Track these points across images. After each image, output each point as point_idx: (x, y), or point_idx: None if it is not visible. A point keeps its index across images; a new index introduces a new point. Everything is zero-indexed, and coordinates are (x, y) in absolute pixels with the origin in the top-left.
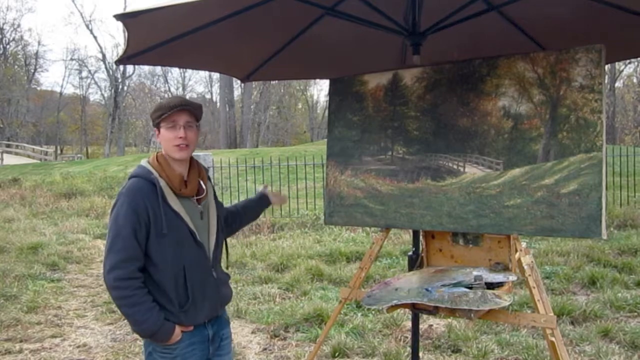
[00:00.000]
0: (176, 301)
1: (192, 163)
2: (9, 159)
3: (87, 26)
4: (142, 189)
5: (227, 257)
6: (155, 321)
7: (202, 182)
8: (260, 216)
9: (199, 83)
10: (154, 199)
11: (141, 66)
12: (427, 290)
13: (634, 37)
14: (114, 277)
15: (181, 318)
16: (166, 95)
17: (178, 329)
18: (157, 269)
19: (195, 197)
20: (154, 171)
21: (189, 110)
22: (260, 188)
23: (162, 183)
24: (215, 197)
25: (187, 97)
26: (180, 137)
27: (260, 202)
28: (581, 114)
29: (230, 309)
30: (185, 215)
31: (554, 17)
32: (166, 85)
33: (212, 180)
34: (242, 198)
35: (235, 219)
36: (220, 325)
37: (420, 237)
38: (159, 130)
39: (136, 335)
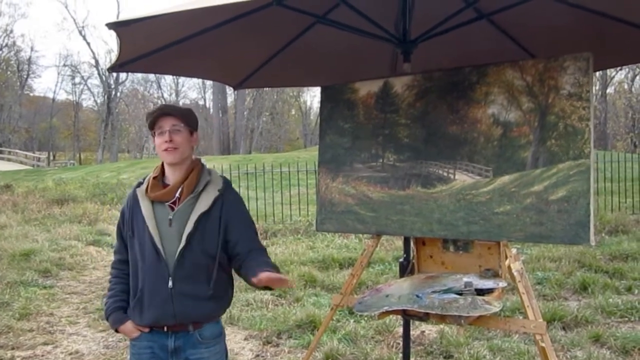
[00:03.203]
0: (133, 297)
1: (187, 168)
2: (1, 165)
3: (80, 32)
4: (130, 192)
5: (214, 275)
6: (108, 307)
7: (181, 189)
8: (255, 221)
9: (192, 89)
10: (133, 201)
11: (134, 73)
12: (417, 296)
13: (623, 45)
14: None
15: (130, 314)
16: (159, 102)
17: (130, 324)
18: (130, 265)
19: (170, 203)
20: (148, 175)
21: (173, 114)
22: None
23: (144, 187)
24: (226, 213)
25: (180, 103)
26: (166, 141)
27: (251, 274)
28: (569, 122)
29: (223, 315)
30: (150, 220)
31: (543, 25)
32: (159, 91)
33: (227, 191)
34: None
35: (235, 263)
36: (187, 342)
37: (411, 244)
38: (154, 139)
39: (128, 342)
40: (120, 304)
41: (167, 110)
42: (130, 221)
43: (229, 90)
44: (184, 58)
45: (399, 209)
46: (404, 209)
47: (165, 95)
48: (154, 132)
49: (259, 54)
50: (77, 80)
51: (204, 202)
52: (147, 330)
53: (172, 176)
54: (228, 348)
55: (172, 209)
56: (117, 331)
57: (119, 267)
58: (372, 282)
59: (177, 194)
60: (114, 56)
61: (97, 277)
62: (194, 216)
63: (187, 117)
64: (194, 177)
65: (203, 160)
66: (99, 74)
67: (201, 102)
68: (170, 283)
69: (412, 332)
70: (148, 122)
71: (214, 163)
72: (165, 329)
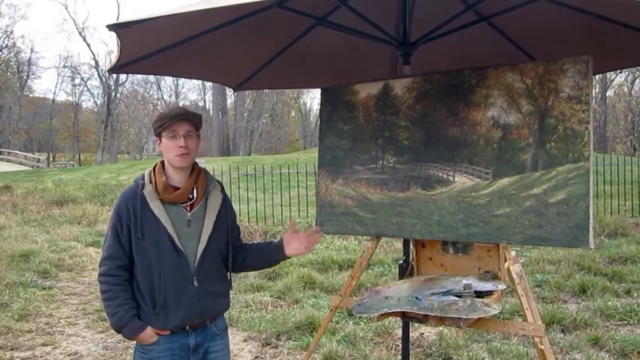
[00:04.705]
0: (150, 302)
1: (194, 171)
2: (1, 166)
3: (80, 33)
4: (127, 193)
5: (229, 270)
6: (122, 316)
7: (196, 191)
8: (253, 224)
9: (192, 90)
10: (136, 202)
11: (134, 74)
12: (416, 298)
13: (623, 48)
14: (99, 273)
15: (153, 320)
16: (159, 103)
17: (150, 330)
18: (137, 269)
19: (184, 204)
20: (147, 177)
21: (189, 120)
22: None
23: (150, 188)
24: (228, 213)
25: (180, 104)
26: (181, 146)
27: (275, 251)
28: (569, 125)
29: None
30: (166, 220)
31: (543, 28)
32: (159, 92)
33: (224, 193)
34: (235, 206)
35: (239, 254)
36: (206, 336)
37: (411, 246)
38: (160, 140)
39: (127, 343)
40: (134, 312)
41: (185, 116)
42: (138, 224)
43: (229, 92)
44: (184, 59)
45: (399, 210)
46: (404, 211)
47: (165, 97)
48: (162, 134)
49: (259, 55)
50: (77, 81)
51: (215, 204)
52: (167, 333)
53: (178, 178)
54: None
55: (187, 209)
56: (131, 339)
57: (119, 274)
58: (371, 284)
59: (192, 196)
60: (114, 57)
61: (96, 278)
62: (210, 217)
63: (198, 123)
64: (203, 179)
65: (202, 161)
66: (98, 75)
67: (201, 104)
68: (195, 282)
69: (411, 334)
70: (161, 124)
71: (214, 164)
72: (187, 327)
